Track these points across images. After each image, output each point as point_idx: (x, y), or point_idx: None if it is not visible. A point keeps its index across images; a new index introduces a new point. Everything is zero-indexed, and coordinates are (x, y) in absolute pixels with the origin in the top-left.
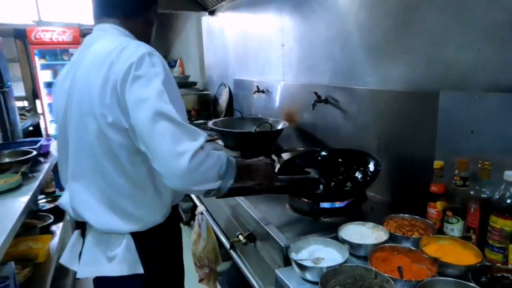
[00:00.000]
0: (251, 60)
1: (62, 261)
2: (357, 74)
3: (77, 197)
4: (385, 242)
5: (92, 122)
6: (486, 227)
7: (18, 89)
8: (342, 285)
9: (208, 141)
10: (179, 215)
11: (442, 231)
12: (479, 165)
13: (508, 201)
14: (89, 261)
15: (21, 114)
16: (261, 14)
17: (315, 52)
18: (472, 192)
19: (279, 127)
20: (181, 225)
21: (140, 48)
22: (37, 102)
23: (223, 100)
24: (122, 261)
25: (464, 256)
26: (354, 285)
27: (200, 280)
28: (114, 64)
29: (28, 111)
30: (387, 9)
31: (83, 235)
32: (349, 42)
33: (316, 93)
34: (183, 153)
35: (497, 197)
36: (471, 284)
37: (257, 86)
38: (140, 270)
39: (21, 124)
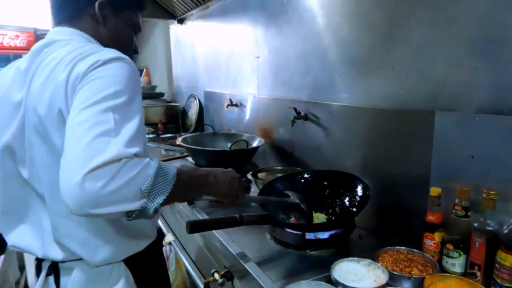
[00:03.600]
0: (223, 71)
1: None
2: (338, 90)
3: (61, 230)
4: (386, 285)
5: (57, 137)
6: (493, 263)
7: None
8: None
9: (176, 158)
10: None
11: (441, 264)
12: (484, 195)
13: None
14: None
15: None
16: (234, 24)
17: (292, 65)
18: (476, 224)
19: (255, 144)
20: None
21: (110, 52)
22: None
23: (192, 112)
24: None
25: None
26: None
27: None
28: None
29: None
30: (370, 21)
31: (55, 275)
32: (329, 55)
33: (295, 108)
34: (79, 166)
35: (506, 231)
36: None
37: (230, 99)
38: None
39: None
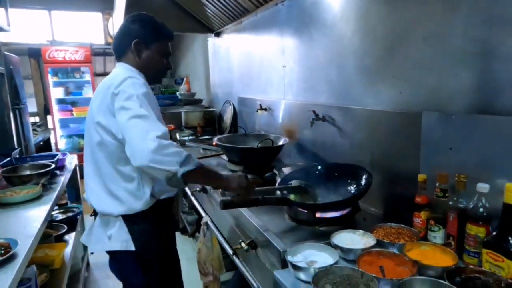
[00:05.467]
0: (254, 79)
1: (82, 240)
2: (352, 95)
3: (88, 188)
4: (373, 247)
5: (93, 130)
6: (463, 234)
7: (30, 105)
8: (331, 284)
9: (213, 156)
10: (170, 211)
11: (427, 238)
12: (456, 178)
13: (481, 210)
14: (97, 240)
15: (32, 130)
16: (264, 37)
17: (314, 73)
18: (450, 203)
19: (280, 143)
20: (186, 236)
21: (125, 74)
22: (48, 117)
23: (227, 117)
24: (117, 238)
25: (442, 260)
26: (342, 284)
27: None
28: (107, 88)
29: (39, 126)
30: (377, 36)
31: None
32: (344, 65)
33: (314, 111)
34: (149, 137)
35: (472, 206)
36: (445, 282)
37: (260, 104)
38: (132, 248)
39: (33, 139)
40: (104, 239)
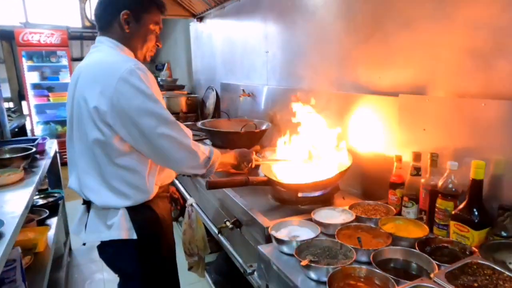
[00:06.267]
0: (237, 65)
1: (71, 230)
2: (332, 79)
3: (82, 182)
4: (351, 222)
5: (90, 125)
6: (434, 209)
7: (4, 90)
8: (312, 255)
9: (196, 140)
10: (167, 196)
11: (401, 214)
12: (428, 156)
13: (450, 186)
14: (92, 230)
15: (7, 116)
16: (247, 22)
17: (296, 59)
18: (423, 180)
19: (263, 127)
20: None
21: (127, 62)
22: (23, 103)
23: (210, 103)
24: (119, 227)
25: (415, 232)
26: (323, 254)
27: (190, 268)
28: (105, 78)
29: (13, 112)
30: (357, 22)
31: (88, 210)
32: (325, 51)
33: (297, 96)
34: (181, 148)
35: (441, 183)
36: (416, 250)
37: (243, 90)
38: (134, 236)
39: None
40: (101, 229)
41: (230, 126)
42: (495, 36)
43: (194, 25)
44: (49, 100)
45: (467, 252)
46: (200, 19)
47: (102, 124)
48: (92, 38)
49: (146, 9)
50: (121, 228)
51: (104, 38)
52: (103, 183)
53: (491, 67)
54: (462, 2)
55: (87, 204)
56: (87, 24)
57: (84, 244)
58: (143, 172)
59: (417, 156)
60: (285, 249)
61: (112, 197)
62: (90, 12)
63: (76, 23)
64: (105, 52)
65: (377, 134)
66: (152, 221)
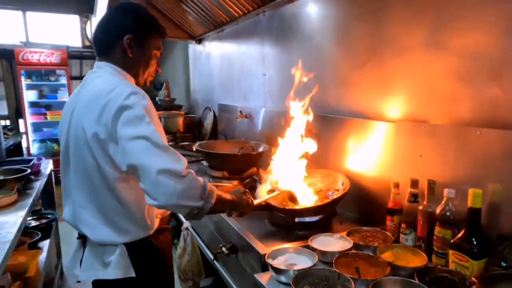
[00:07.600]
0: (235, 86)
1: (66, 266)
2: (329, 104)
3: (77, 216)
4: (349, 249)
5: (88, 154)
6: (432, 236)
7: (1, 107)
8: (310, 285)
9: (193, 162)
10: (168, 228)
11: (399, 241)
12: (425, 184)
13: (448, 214)
14: (88, 267)
15: (3, 133)
16: (245, 45)
17: (293, 82)
18: (420, 207)
19: (260, 149)
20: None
21: (126, 88)
22: (20, 121)
23: (207, 123)
24: (117, 266)
25: (413, 260)
26: (320, 284)
27: None
28: (104, 105)
29: (10, 130)
30: (352, 48)
31: (83, 244)
32: (321, 75)
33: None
34: (172, 174)
35: (439, 210)
36: (415, 281)
37: (240, 111)
38: (132, 274)
39: (4, 143)
40: (97, 266)
41: (227, 148)
42: (488, 65)
43: (193, 46)
44: (46, 118)
45: (467, 283)
46: (199, 41)
47: (102, 153)
48: (92, 58)
49: (148, 34)
50: (119, 267)
51: (103, 63)
52: (101, 216)
53: (485, 96)
54: (455, 31)
55: (83, 238)
56: (87, 43)
57: (78, 281)
58: (145, 205)
59: (414, 183)
60: (282, 278)
61: (110, 233)
62: (91, 32)
63: (76, 42)
64: (104, 78)
65: (374, 159)
66: (152, 257)
